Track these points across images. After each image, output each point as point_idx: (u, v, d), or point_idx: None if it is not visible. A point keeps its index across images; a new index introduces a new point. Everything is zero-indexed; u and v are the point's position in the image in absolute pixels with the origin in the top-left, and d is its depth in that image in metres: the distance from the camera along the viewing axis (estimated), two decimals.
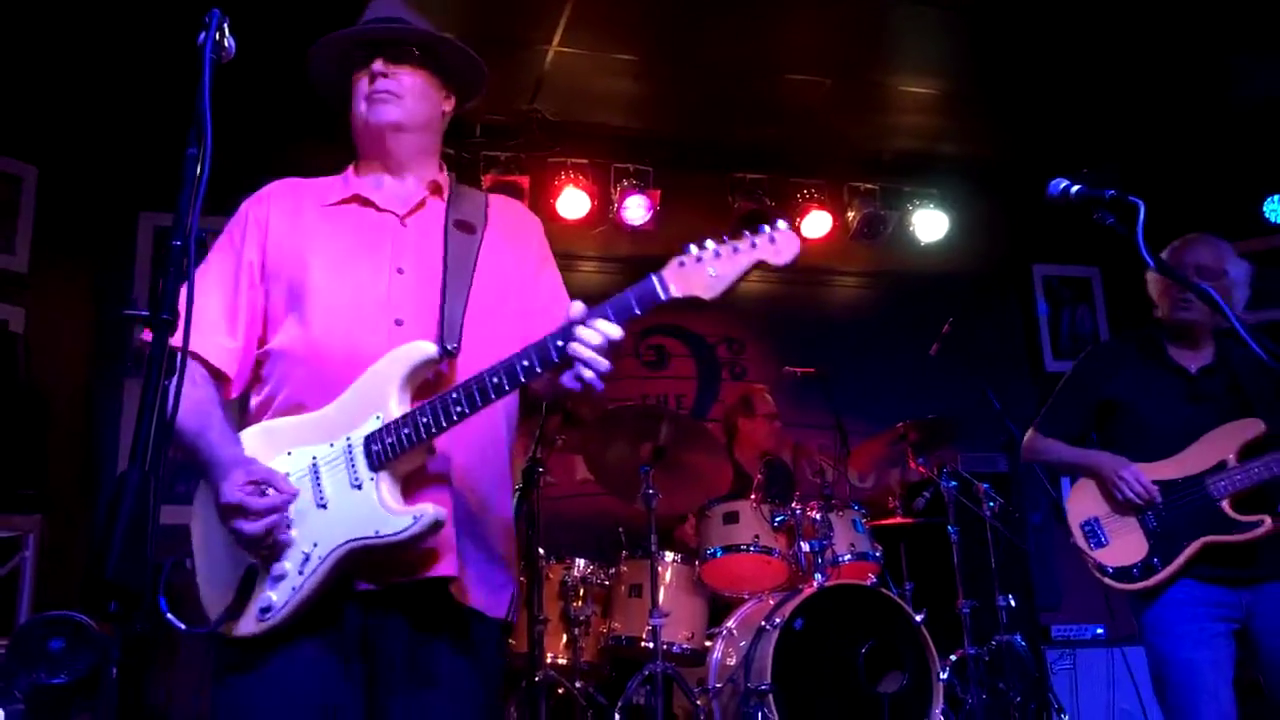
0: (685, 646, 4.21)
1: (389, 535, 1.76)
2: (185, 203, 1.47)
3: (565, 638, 4.37)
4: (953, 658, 4.33)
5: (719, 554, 4.27)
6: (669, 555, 4.38)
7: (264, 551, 1.79)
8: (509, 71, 5.57)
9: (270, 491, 1.79)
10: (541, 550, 4.17)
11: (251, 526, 1.77)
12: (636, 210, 5.98)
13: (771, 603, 4.02)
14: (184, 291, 1.43)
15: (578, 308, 1.76)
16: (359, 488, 1.80)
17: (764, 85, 5.79)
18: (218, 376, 1.97)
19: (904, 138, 6.42)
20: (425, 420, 1.79)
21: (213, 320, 1.97)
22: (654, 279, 1.78)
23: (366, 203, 2.06)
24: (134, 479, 1.24)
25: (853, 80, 5.75)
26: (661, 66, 5.61)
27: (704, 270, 1.78)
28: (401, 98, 2.05)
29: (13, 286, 4.84)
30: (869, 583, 4.15)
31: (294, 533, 1.80)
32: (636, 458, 4.27)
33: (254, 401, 1.99)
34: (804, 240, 6.19)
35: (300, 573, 1.79)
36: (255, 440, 1.90)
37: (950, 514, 4.62)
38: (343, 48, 2.10)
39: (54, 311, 4.92)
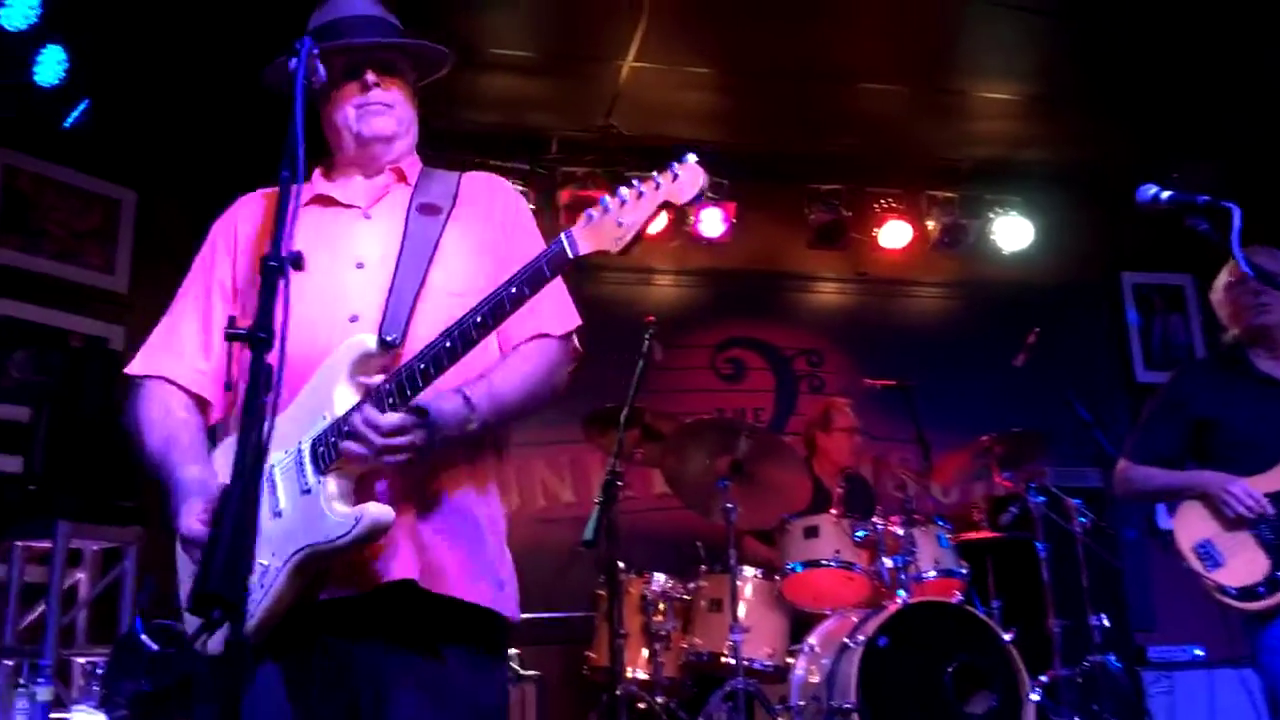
0: (766, 663, 4.16)
1: (331, 539, 1.69)
2: (280, 223, 1.51)
3: (646, 652, 4.36)
4: (1044, 679, 4.20)
5: (799, 569, 4.22)
6: (749, 570, 4.34)
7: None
8: (584, 88, 5.63)
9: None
10: (621, 564, 4.18)
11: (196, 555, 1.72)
12: (712, 223, 5.98)
13: (854, 619, 3.96)
14: (278, 311, 1.46)
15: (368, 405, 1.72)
16: (308, 493, 1.74)
17: (839, 95, 5.75)
18: (197, 401, 1.97)
19: (984, 145, 6.30)
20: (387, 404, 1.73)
21: (186, 344, 1.98)
22: (563, 238, 1.75)
23: (329, 201, 2.02)
24: (235, 493, 1.27)
25: (929, 87, 5.67)
26: (736, 79, 5.61)
27: (611, 221, 1.73)
28: (393, 108, 2.03)
29: (113, 306, 5.03)
30: (955, 600, 4.06)
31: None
32: (714, 472, 4.25)
33: (230, 417, 1.98)
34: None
35: (261, 586, 1.73)
36: (222, 457, 1.88)
37: (1038, 530, 4.49)
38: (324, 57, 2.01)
39: (152, 329, 5.10)
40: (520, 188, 5.73)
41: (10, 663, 3.97)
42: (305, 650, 1.77)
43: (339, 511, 1.72)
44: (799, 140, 6.19)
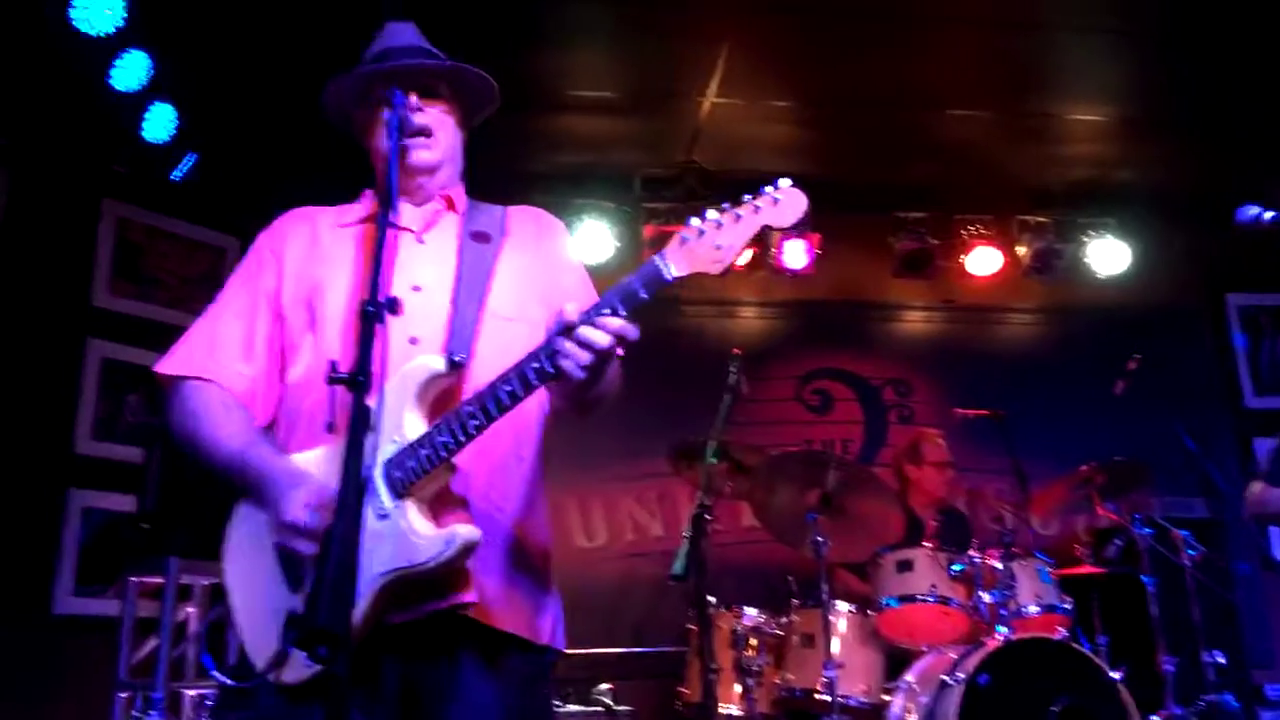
0: (862, 700, 4.08)
1: (423, 563, 1.68)
2: (377, 268, 1.57)
3: (738, 688, 4.31)
4: (1155, 719, 4.02)
5: (894, 604, 4.14)
6: (842, 605, 4.28)
7: (296, 566, 1.74)
8: (666, 125, 5.69)
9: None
10: (711, 598, 4.15)
11: (311, 548, 1.69)
12: (796, 254, 5.96)
13: (953, 656, 3.86)
14: (378, 351, 1.51)
15: (571, 307, 1.68)
16: (385, 518, 1.72)
17: (923, 122, 5.70)
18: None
19: (1076, 167, 6.17)
20: (443, 439, 1.72)
21: (228, 348, 1.98)
22: (657, 259, 1.71)
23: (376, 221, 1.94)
24: (340, 531, 1.32)
25: (1016, 112, 5.59)
26: (817, 110, 5.61)
27: (708, 244, 1.70)
28: (436, 134, 2.03)
29: None
30: (1059, 636, 3.92)
31: None
32: (803, 504, 4.21)
33: (278, 438, 1.95)
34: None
35: None
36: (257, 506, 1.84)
37: (1145, 563, 4.33)
38: (368, 81, 2.05)
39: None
40: (605, 225, 5.82)
41: (124, 695, 4.12)
42: (369, 674, 1.75)
43: (426, 534, 1.71)
44: (882, 169, 6.15)
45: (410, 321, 1.85)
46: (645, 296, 1.70)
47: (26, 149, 4.59)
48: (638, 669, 5.37)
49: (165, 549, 3.94)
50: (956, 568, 4.12)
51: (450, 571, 1.73)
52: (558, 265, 2.11)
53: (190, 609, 4.36)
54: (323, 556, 1.32)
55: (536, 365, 1.69)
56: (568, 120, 5.59)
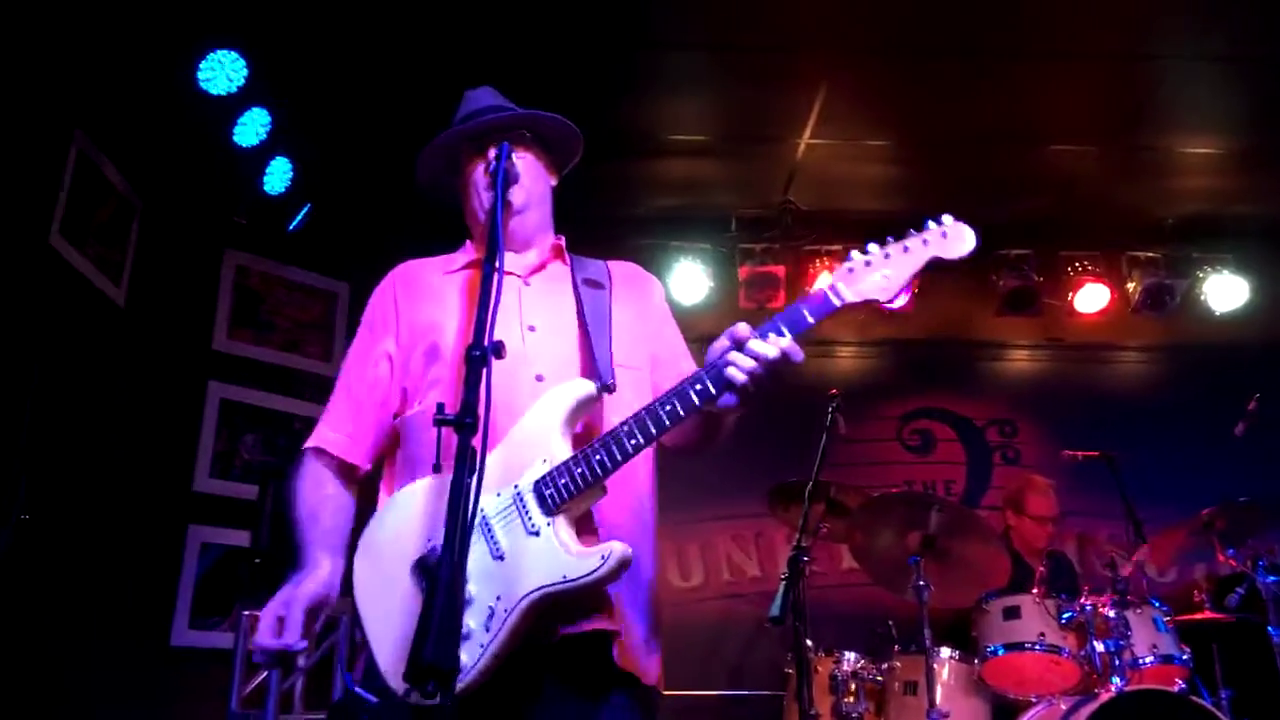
0: None
1: (579, 578, 1.69)
2: (482, 314, 1.62)
3: None
4: None
5: (1000, 652, 4.01)
6: (945, 651, 4.17)
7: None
8: (762, 166, 5.73)
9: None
10: (809, 642, 4.10)
11: (266, 642, 1.92)
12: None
13: (1064, 707, 3.71)
14: (481, 395, 1.57)
15: (744, 325, 1.71)
16: (536, 534, 1.73)
17: (1026, 158, 5.62)
18: (344, 467, 2.07)
19: (1188, 201, 5.97)
20: (599, 457, 1.74)
21: (341, 412, 2.10)
22: (826, 288, 1.74)
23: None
24: (446, 567, 1.37)
25: (1125, 145, 5.46)
26: (915, 148, 5.58)
27: (875, 274, 1.72)
28: (521, 178, 2.06)
29: (329, 391, 5.43)
30: (1177, 689, 3.74)
31: (473, 589, 1.71)
32: (905, 547, 4.13)
33: (396, 466, 2.04)
34: (1085, 311, 5.93)
35: (487, 629, 1.70)
36: (416, 499, 1.86)
37: (1271, 613, 4.10)
38: (453, 143, 2.15)
39: None
40: (701, 266, 5.87)
41: None
42: (532, 691, 1.78)
43: (579, 551, 1.72)
44: (984, 206, 6.04)
45: (533, 360, 1.93)
46: (812, 322, 1.74)
47: (156, 203, 4.87)
48: (735, 713, 5.31)
49: (277, 583, 4.07)
50: (1067, 615, 3.98)
51: (596, 596, 1.76)
52: (660, 319, 2.20)
53: None
54: (430, 593, 1.36)
55: (700, 386, 1.73)
56: (665, 165, 5.68)
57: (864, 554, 4.34)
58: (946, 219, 1.75)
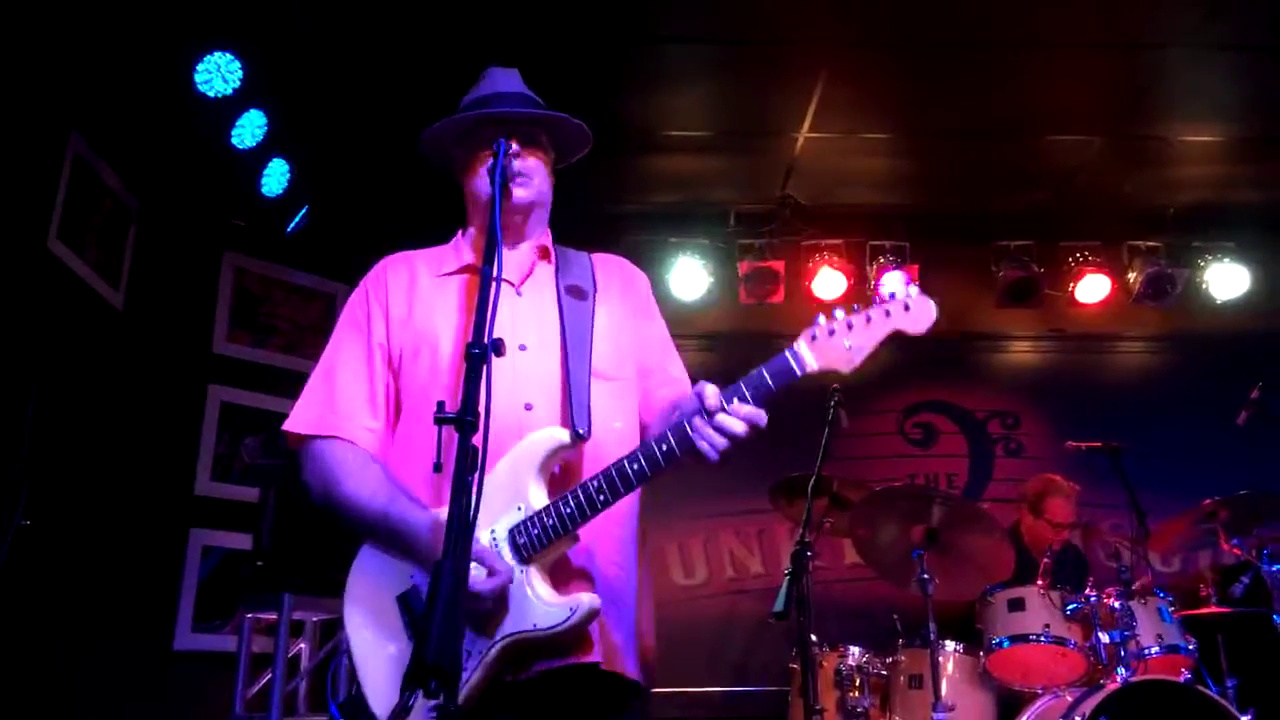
0: None
1: (548, 628, 1.74)
2: (482, 314, 1.62)
3: None
4: None
5: (1005, 644, 4.01)
6: (950, 644, 4.16)
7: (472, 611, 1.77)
8: (760, 161, 5.72)
9: (481, 572, 1.74)
10: (814, 637, 4.09)
11: (479, 606, 1.75)
12: (895, 286, 5.86)
13: (1069, 699, 3.71)
14: (481, 394, 1.56)
15: (712, 391, 1.72)
16: (510, 582, 1.77)
17: (1025, 149, 5.61)
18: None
19: (1190, 190, 5.96)
20: (569, 510, 1.78)
21: (356, 405, 2.00)
22: (789, 355, 1.75)
23: (477, 272, 2.00)
24: (448, 569, 1.35)
25: (1123, 135, 5.45)
26: (914, 140, 5.57)
27: (839, 342, 1.73)
28: (532, 178, 2.07)
29: None
30: (1183, 679, 3.74)
31: None
32: (908, 541, 4.13)
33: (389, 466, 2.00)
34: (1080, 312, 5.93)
35: (464, 669, 1.73)
36: (384, 549, 1.91)
37: (1276, 602, 4.09)
38: (473, 123, 2.11)
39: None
40: (700, 261, 5.86)
41: None
42: None
43: (550, 600, 1.77)
44: (983, 198, 6.05)
45: (521, 386, 1.92)
46: (774, 387, 1.74)
47: (153, 206, 4.86)
48: (740, 709, 5.30)
49: (279, 586, 4.06)
50: (1072, 607, 3.97)
51: (574, 635, 1.79)
52: (644, 317, 2.19)
53: (302, 644, 4.49)
54: (432, 593, 1.35)
55: (666, 447, 1.75)
56: (664, 160, 5.67)
57: (867, 548, 4.33)
58: (911, 290, 1.76)
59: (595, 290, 2.10)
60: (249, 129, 4.38)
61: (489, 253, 1.75)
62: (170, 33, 4.05)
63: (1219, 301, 5.99)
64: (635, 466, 1.76)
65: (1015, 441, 6.18)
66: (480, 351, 1.57)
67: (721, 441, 1.71)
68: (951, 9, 4.47)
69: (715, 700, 5.28)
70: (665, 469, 1.77)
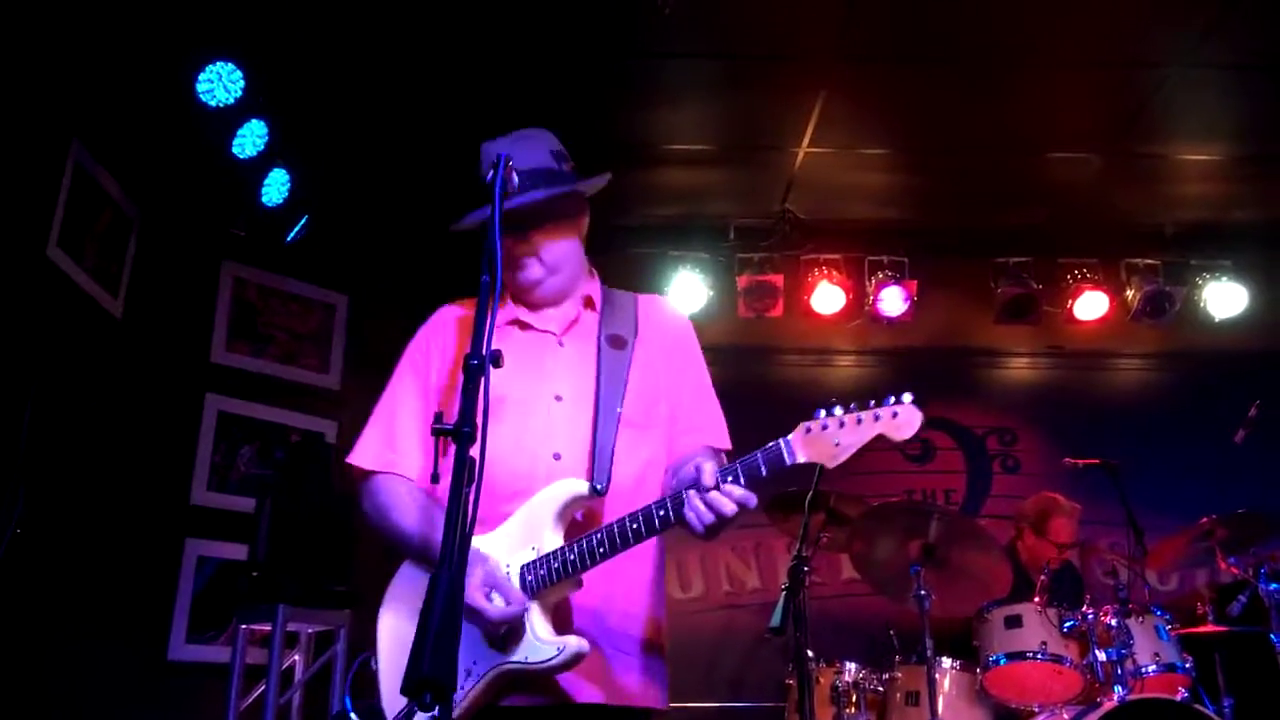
0: None
1: (535, 663, 1.87)
2: (480, 324, 1.62)
3: None
4: None
5: (1002, 661, 3.99)
6: (947, 661, 4.15)
7: (490, 635, 1.92)
8: (760, 175, 5.73)
9: (498, 600, 1.90)
10: (810, 652, 4.07)
11: (494, 611, 1.88)
12: (893, 301, 5.90)
13: (1066, 717, 3.70)
14: (478, 405, 1.57)
15: (710, 469, 1.82)
16: (524, 613, 1.91)
17: (1024, 165, 5.62)
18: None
19: (1188, 208, 5.98)
20: (572, 558, 1.91)
21: (410, 444, 2.17)
22: (783, 445, 1.86)
23: (525, 325, 2.21)
24: (444, 581, 1.35)
25: (1121, 152, 5.46)
26: (913, 156, 5.58)
27: (829, 439, 1.84)
28: (536, 255, 2.17)
29: (327, 403, 5.43)
30: (1180, 697, 3.72)
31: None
32: (905, 556, 4.11)
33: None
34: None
35: (461, 688, 1.87)
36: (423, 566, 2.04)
37: (1274, 621, 4.08)
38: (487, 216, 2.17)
39: (362, 424, 5.44)
40: (699, 275, 5.87)
41: None
42: None
43: (543, 638, 1.89)
44: (982, 214, 6.06)
45: (553, 436, 2.07)
46: (765, 474, 1.85)
47: (153, 215, 4.86)
48: None
49: (274, 597, 4.05)
50: (1069, 624, 3.96)
51: (575, 674, 1.93)
52: (681, 363, 2.28)
53: (297, 656, 4.47)
54: (427, 606, 1.36)
55: (662, 513, 1.88)
56: (663, 174, 5.68)
57: (864, 563, 4.33)
58: (906, 399, 1.84)
59: (636, 337, 2.22)
60: (250, 139, 4.39)
61: (488, 262, 1.78)
62: (172, 42, 4.06)
63: (1217, 320, 6.00)
64: (634, 527, 1.89)
65: (1013, 458, 6.18)
66: (479, 363, 1.57)
67: (709, 517, 1.82)
68: (952, 26, 4.49)
69: (710, 715, 5.26)
70: (660, 532, 1.91)
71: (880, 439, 1.84)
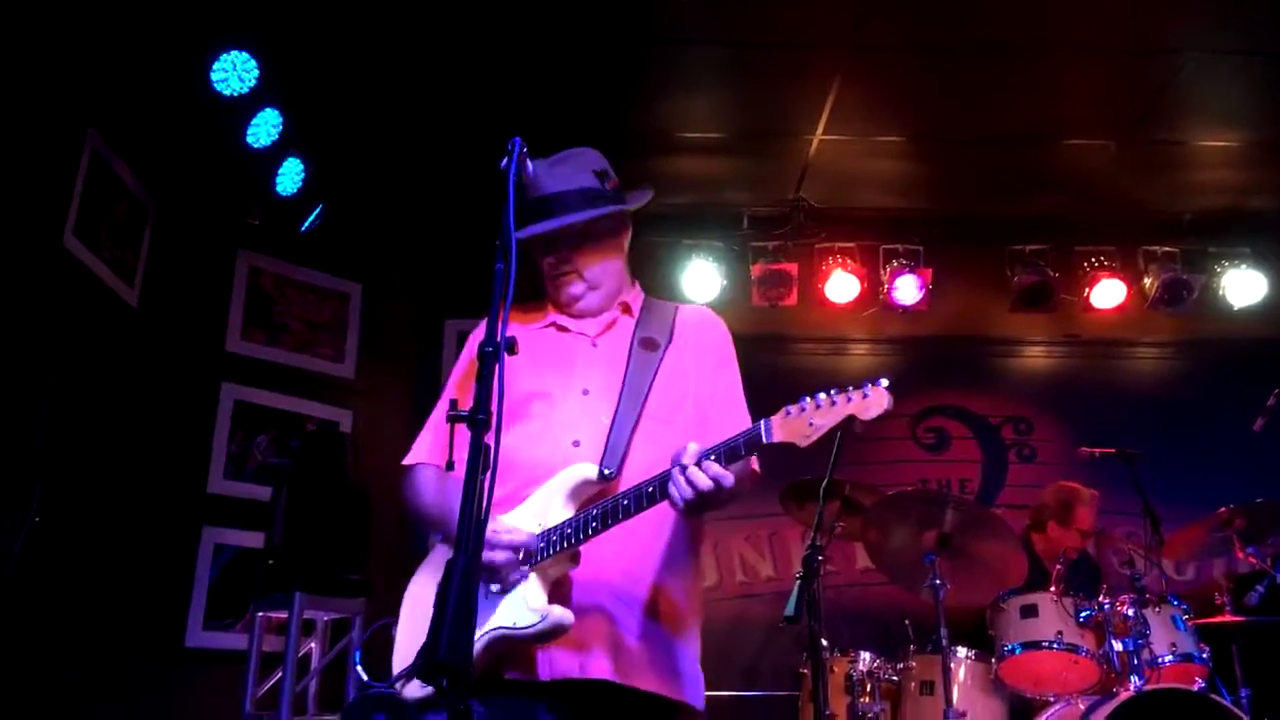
0: None
1: (520, 629, 1.92)
2: (494, 312, 1.61)
3: None
4: None
5: (1018, 651, 3.98)
6: (962, 650, 4.14)
7: (500, 580, 1.98)
8: (774, 163, 5.70)
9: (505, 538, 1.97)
10: (824, 642, 4.07)
11: (491, 556, 1.95)
12: (908, 290, 5.87)
13: (1082, 707, 3.68)
14: (495, 390, 1.57)
15: (693, 449, 1.91)
16: (517, 583, 1.99)
17: (1041, 153, 5.58)
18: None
19: (1206, 195, 5.92)
20: (569, 531, 1.97)
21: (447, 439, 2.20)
22: (762, 426, 1.94)
23: (562, 329, 2.29)
24: (460, 566, 1.35)
25: (1140, 140, 5.41)
26: (929, 144, 5.55)
27: (804, 420, 1.92)
28: (578, 272, 2.26)
29: (342, 392, 5.46)
30: (1196, 688, 3.71)
31: None
32: (920, 546, 4.10)
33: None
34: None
35: None
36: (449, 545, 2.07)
37: None
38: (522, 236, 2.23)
39: (377, 413, 5.48)
40: (713, 263, 5.85)
41: None
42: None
43: (533, 605, 1.95)
44: (998, 202, 6.02)
45: (575, 425, 2.14)
46: (744, 454, 1.94)
47: (169, 204, 4.88)
48: (749, 714, 5.29)
49: (290, 584, 4.07)
50: (1085, 614, 3.94)
51: (576, 645, 1.98)
52: (713, 368, 2.32)
53: (313, 644, 4.50)
54: (442, 591, 1.37)
55: (650, 490, 1.95)
56: (677, 162, 5.66)
57: (879, 553, 4.31)
58: (883, 383, 1.96)
59: (670, 341, 2.27)
60: (264, 128, 4.40)
61: (504, 253, 1.78)
62: (187, 31, 4.07)
63: (1235, 308, 5.95)
64: (625, 503, 1.96)
65: (1029, 447, 6.15)
66: (493, 349, 1.57)
67: (688, 492, 1.88)
68: (967, 12, 4.45)
69: (724, 704, 5.26)
70: (648, 507, 1.96)
71: (852, 420, 1.92)
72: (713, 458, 1.90)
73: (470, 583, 1.37)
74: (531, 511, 2.04)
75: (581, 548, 1.99)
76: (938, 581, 3.95)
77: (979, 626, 4.32)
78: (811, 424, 1.91)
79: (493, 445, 1.50)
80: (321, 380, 5.40)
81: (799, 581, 3.69)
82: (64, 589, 4.09)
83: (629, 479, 2.04)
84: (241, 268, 5.24)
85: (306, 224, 4.91)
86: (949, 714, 3.72)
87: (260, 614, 4.24)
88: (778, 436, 1.92)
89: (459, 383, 2.31)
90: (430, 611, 1.96)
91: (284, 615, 4.12)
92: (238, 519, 4.89)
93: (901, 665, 4.28)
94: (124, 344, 4.55)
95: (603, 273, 2.30)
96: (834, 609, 4.46)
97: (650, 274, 5.87)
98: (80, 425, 4.19)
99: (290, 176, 4.67)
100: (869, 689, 4.25)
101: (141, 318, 4.69)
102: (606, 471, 2.04)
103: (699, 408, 2.24)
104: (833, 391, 1.95)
